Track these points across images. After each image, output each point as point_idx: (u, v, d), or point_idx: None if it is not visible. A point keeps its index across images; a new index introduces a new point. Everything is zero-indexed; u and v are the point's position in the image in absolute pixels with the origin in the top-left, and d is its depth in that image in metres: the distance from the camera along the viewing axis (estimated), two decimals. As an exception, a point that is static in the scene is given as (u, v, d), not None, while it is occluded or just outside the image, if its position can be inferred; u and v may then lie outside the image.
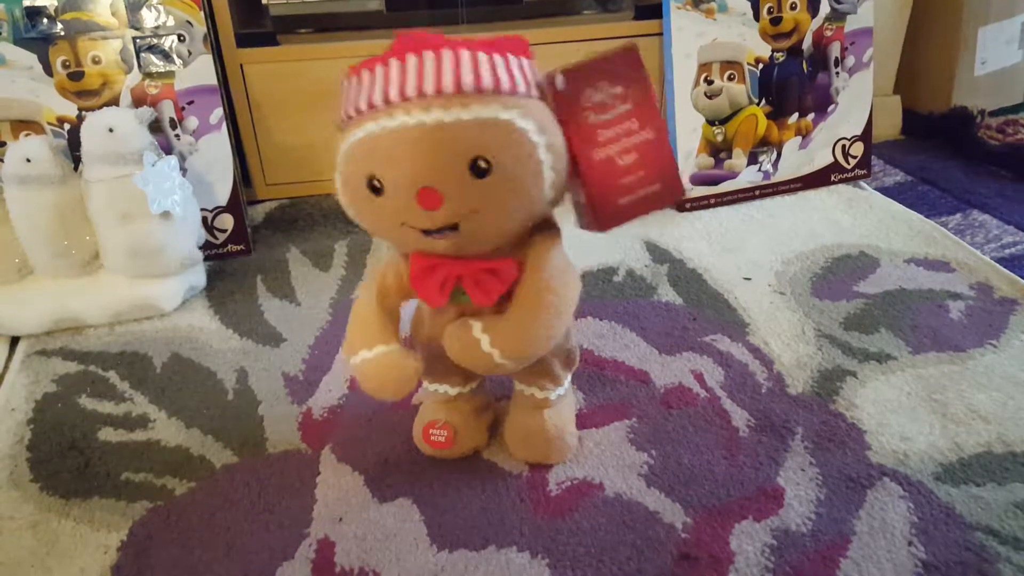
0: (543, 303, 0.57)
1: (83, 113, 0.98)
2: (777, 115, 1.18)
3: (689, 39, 1.12)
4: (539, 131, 0.52)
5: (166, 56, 1.00)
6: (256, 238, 1.10)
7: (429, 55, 0.51)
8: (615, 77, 0.56)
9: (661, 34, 1.14)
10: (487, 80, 0.51)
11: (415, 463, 0.70)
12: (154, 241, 0.90)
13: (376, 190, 0.52)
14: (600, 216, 0.58)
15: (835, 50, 1.19)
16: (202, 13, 1.00)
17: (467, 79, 0.51)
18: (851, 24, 1.18)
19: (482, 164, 0.51)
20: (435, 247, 0.55)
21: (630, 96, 0.57)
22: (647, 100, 0.57)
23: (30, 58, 0.95)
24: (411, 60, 0.52)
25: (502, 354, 0.57)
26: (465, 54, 0.52)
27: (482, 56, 0.52)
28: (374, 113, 0.52)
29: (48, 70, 0.96)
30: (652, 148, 0.58)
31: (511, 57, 0.54)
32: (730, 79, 1.15)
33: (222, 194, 1.04)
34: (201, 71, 1.01)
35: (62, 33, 0.96)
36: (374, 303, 0.61)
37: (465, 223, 0.53)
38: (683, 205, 1.15)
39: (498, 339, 0.57)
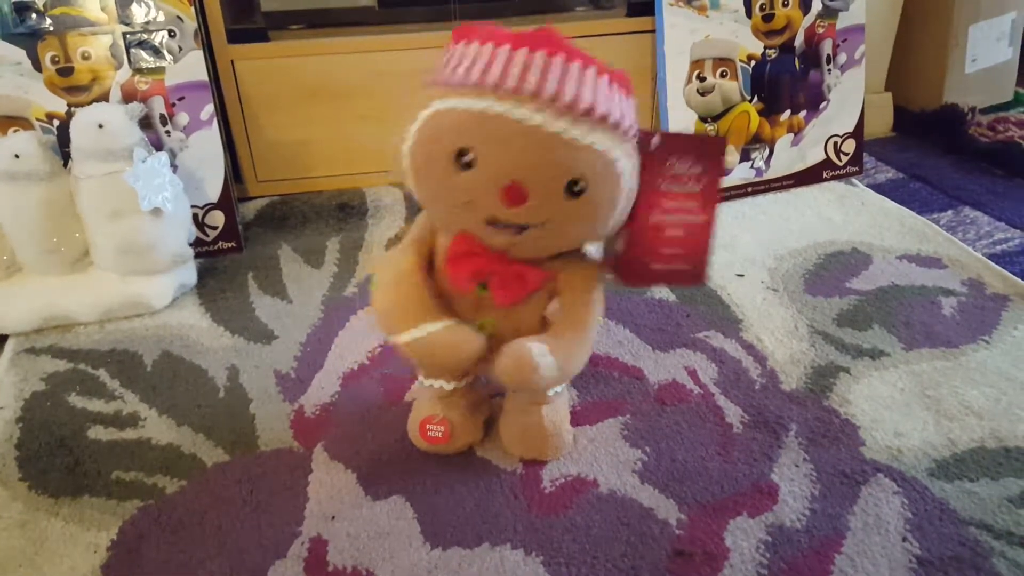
0: (591, 328, 0.61)
1: (72, 109, 0.97)
2: (769, 112, 1.18)
3: (682, 36, 1.12)
4: (630, 176, 0.55)
5: (156, 52, 0.99)
6: (247, 235, 1.09)
7: (559, 59, 0.51)
8: (699, 157, 0.58)
9: (653, 31, 1.14)
10: (601, 107, 0.52)
11: (408, 460, 0.69)
12: (144, 238, 0.89)
13: (464, 164, 0.52)
14: (630, 273, 0.61)
15: (827, 47, 1.19)
16: (193, 9, 0.99)
17: (584, 98, 0.51)
18: (843, 21, 1.19)
19: (578, 187, 0.52)
20: (491, 239, 0.55)
21: (703, 179, 0.59)
22: (715, 189, 0.59)
23: (18, 54, 0.94)
24: (540, 55, 0.51)
25: (563, 375, 0.60)
26: (591, 72, 0.52)
27: (604, 81, 0.52)
28: (483, 90, 0.51)
29: (37, 66, 0.95)
30: (698, 233, 0.60)
31: (624, 93, 0.54)
32: (722, 76, 1.15)
33: (213, 191, 1.04)
34: (192, 67, 1.00)
35: (51, 28, 0.95)
36: (418, 273, 0.60)
37: (533, 229, 0.54)
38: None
39: (559, 360, 0.58)
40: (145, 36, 0.98)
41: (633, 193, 0.56)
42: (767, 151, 1.19)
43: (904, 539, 0.61)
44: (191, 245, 0.97)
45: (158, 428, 0.74)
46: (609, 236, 0.60)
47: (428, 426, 0.68)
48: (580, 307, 0.60)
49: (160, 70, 0.99)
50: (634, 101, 0.56)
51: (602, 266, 0.63)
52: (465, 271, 0.58)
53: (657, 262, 0.61)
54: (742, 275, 0.97)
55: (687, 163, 0.58)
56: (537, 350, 0.58)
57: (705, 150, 0.58)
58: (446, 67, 0.54)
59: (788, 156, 1.20)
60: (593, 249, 0.63)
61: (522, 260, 0.58)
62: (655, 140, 0.57)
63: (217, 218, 1.04)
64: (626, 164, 0.54)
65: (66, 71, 0.96)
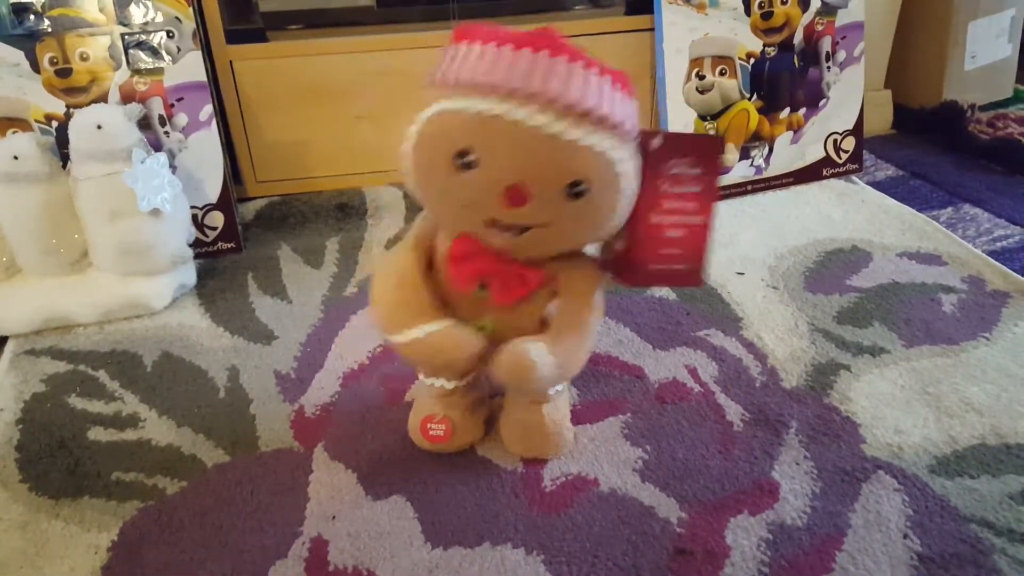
0: (590, 329, 0.61)
1: (71, 110, 0.97)
2: (769, 110, 1.18)
3: (680, 34, 1.12)
4: (631, 178, 0.54)
5: (155, 53, 0.99)
6: (247, 236, 1.09)
7: (562, 60, 0.51)
8: (699, 158, 0.58)
9: (652, 29, 1.14)
10: (603, 108, 0.51)
11: (408, 460, 0.69)
12: (143, 239, 0.89)
13: (465, 164, 0.52)
14: (630, 273, 0.61)
15: (826, 45, 1.19)
16: (191, 9, 0.99)
17: (586, 99, 0.51)
18: (842, 19, 1.18)
19: (580, 188, 0.52)
20: (492, 240, 0.55)
21: (702, 180, 0.59)
22: (714, 190, 0.59)
23: (17, 55, 0.94)
24: (543, 56, 0.51)
25: (561, 375, 0.60)
26: (594, 74, 0.52)
27: (604, 82, 0.52)
28: (485, 91, 0.51)
29: (35, 67, 0.95)
30: (697, 233, 0.60)
31: (626, 94, 0.54)
32: (721, 74, 1.14)
33: (212, 191, 1.03)
34: (190, 68, 1.00)
35: (49, 29, 0.95)
36: (418, 273, 0.60)
37: (534, 230, 0.54)
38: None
39: (558, 360, 0.59)
40: (143, 37, 0.98)
41: (634, 195, 0.56)
42: (767, 149, 1.19)
43: (905, 536, 0.61)
44: (190, 246, 0.97)
45: (158, 429, 0.74)
46: (609, 237, 0.60)
47: (429, 425, 0.68)
48: (579, 308, 0.60)
49: (159, 71, 0.99)
50: (635, 102, 0.56)
51: (602, 265, 0.63)
52: (467, 271, 0.58)
53: (656, 262, 0.61)
54: (742, 273, 0.97)
55: (687, 164, 0.58)
56: (535, 350, 0.58)
57: (705, 150, 0.58)
58: (448, 67, 0.54)
59: (788, 154, 1.20)
60: (591, 249, 0.63)
61: (523, 261, 0.58)
62: (656, 140, 0.57)
63: (216, 219, 1.04)
64: (628, 166, 0.54)
65: (65, 72, 0.96)
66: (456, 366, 0.61)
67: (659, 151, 0.57)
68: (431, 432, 0.68)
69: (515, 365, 0.58)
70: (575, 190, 0.52)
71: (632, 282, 0.63)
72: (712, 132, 0.61)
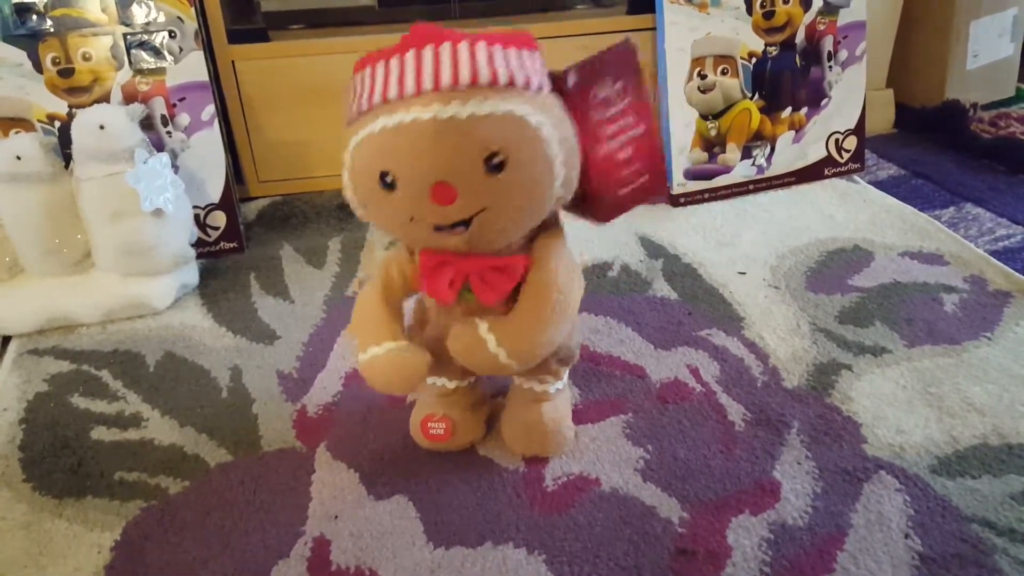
0: (549, 302, 0.58)
1: (73, 110, 0.97)
2: (770, 109, 1.17)
3: (682, 33, 1.12)
4: (553, 126, 0.53)
5: (157, 52, 0.99)
6: (249, 235, 1.09)
7: (446, 46, 0.51)
8: (616, 73, 0.57)
9: (654, 29, 1.14)
10: (502, 74, 0.51)
11: (410, 460, 0.69)
12: (146, 239, 0.90)
13: (388, 185, 0.52)
14: (602, 209, 0.60)
15: (828, 44, 1.18)
16: (193, 9, 0.99)
17: (483, 72, 0.51)
18: (844, 18, 1.18)
19: (496, 160, 0.51)
20: (446, 243, 0.55)
21: (628, 91, 0.58)
22: (641, 94, 0.58)
23: (19, 55, 0.95)
24: (427, 51, 0.51)
25: (508, 354, 0.57)
26: (481, 46, 0.51)
27: (497, 49, 0.52)
28: (388, 106, 0.51)
29: (38, 67, 0.95)
30: (644, 141, 0.59)
31: (524, 51, 0.53)
32: (723, 73, 1.14)
33: (214, 191, 1.04)
34: (192, 68, 1.00)
35: (52, 30, 0.95)
36: (379, 299, 0.61)
37: (477, 219, 0.53)
38: (677, 200, 1.15)
39: (505, 339, 0.57)
40: (146, 37, 0.98)
41: (576, 149, 0.55)
42: (768, 148, 1.19)
43: (906, 536, 0.61)
44: (193, 246, 0.97)
45: (161, 429, 0.75)
46: (572, 188, 0.57)
47: (429, 424, 0.68)
48: (537, 280, 0.58)
49: (161, 71, 0.99)
50: (536, 55, 0.54)
51: (575, 214, 0.62)
52: (440, 282, 0.57)
53: (619, 187, 0.59)
54: (744, 273, 0.97)
55: (607, 84, 0.57)
56: (483, 327, 0.58)
57: (619, 62, 0.57)
58: (353, 101, 0.54)
59: (789, 153, 1.20)
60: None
61: (494, 253, 0.57)
62: (571, 78, 0.56)
63: (219, 218, 1.04)
64: (541, 117, 0.52)
65: (67, 72, 0.97)
66: (402, 386, 0.60)
67: (578, 86, 0.56)
68: (431, 431, 0.68)
69: (465, 344, 0.58)
70: (494, 163, 0.51)
71: (606, 217, 0.61)
72: (626, 44, 0.59)
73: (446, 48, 0.51)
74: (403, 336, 0.60)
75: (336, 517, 0.64)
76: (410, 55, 0.51)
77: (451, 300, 0.58)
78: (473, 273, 0.57)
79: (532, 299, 0.58)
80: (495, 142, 0.50)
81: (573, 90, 0.56)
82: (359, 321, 0.61)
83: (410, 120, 0.50)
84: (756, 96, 1.17)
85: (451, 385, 0.69)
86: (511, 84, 0.51)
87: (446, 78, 0.50)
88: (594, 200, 0.59)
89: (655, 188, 0.61)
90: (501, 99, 0.51)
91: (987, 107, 1.44)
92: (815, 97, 1.20)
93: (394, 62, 0.52)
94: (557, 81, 0.56)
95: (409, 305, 0.65)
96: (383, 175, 0.52)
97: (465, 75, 0.50)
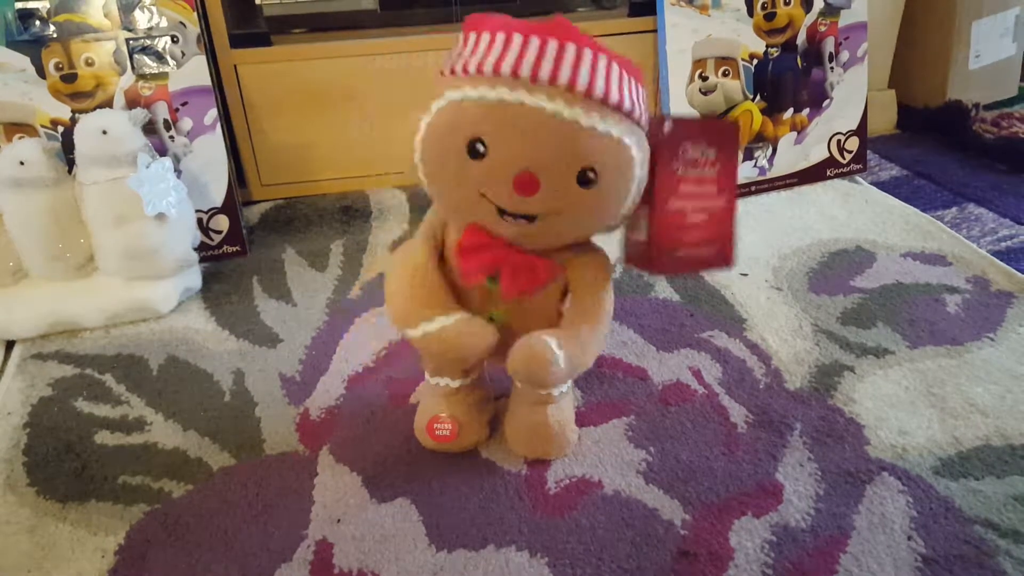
0: (603, 321, 0.61)
1: (76, 115, 0.97)
2: (772, 111, 1.17)
3: (683, 35, 1.12)
4: (642, 163, 0.54)
5: (159, 57, 0.99)
6: (252, 239, 1.10)
7: (571, 47, 0.51)
8: (713, 141, 0.58)
9: (655, 31, 1.14)
10: (615, 94, 0.52)
11: (413, 463, 0.70)
12: (149, 243, 0.90)
13: (476, 153, 0.52)
14: (656, 261, 0.61)
15: (829, 45, 1.18)
16: (195, 14, 0.99)
17: (599, 86, 0.51)
18: (845, 19, 1.18)
19: (590, 175, 0.52)
20: (502, 229, 0.55)
21: (720, 162, 0.59)
22: (732, 172, 0.59)
23: (23, 60, 0.95)
24: (552, 43, 0.51)
25: (574, 369, 0.60)
26: (603, 59, 0.52)
27: (615, 67, 0.52)
28: (491, 80, 0.51)
29: (41, 72, 0.96)
30: (721, 215, 0.60)
31: (634, 80, 0.54)
32: (725, 75, 1.15)
33: (217, 195, 1.04)
34: (195, 72, 1.01)
35: (55, 35, 0.96)
36: (433, 264, 0.60)
37: (544, 219, 0.53)
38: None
39: (574, 354, 0.59)
40: (148, 42, 0.99)
41: (643, 183, 0.56)
42: (770, 150, 1.19)
43: (909, 538, 0.61)
44: (196, 249, 0.97)
45: (164, 432, 0.75)
46: (627, 225, 0.60)
47: (435, 425, 0.68)
48: (592, 300, 0.60)
49: (163, 75, 1.00)
50: (644, 90, 0.56)
51: (627, 258, 0.63)
52: (476, 263, 0.57)
53: (682, 248, 0.61)
54: (746, 274, 0.97)
55: (700, 147, 0.58)
56: (553, 343, 0.58)
57: (717, 134, 0.58)
58: (458, 57, 0.54)
59: (791, 155, 1.20)
60: (601, 241, 0.63)
61: (534, 252, 0.58)
62: (667, 125, 0.56)
63: (221, 222, 1.04)
64: (638, 153, 0.54)
65: (70, 77, 0.97)
66: (470, 358, 0.61)
67: (671, 135, 0.57)
68: (437, 432, 0.69)
69: (532, 358, 0.58)
70: (586, 177, 0.52)
71: (660, 270, 0.63)
72: (733, 123, 0.61)
73: (571, 48, 0.51)
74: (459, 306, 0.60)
75: (339, 520, 0.64)
76: (535, 40, 0.51)
77: (478, 282, 0.58)
78: (507, 264, 0.57)
79: (591, 321, 0.60)
80: (595, 159, 0.51)
81: (666, 137, 0.57)
82: (412, 287, 0.59)
83: (516, 100, 0.50)
84: (758, 98, 1.17)
85: (455, 384, 0.69)
86: (620, 107, 0.52)
87: (564, 77, 0.50)
88: (653, 248, 0.60)
89: (717, 262, 0.63)
90: (613, 119, 0.52)
91: (989, 107, 1.43)
92: (817, 98, 1.20)
93: (516, 39, 0.51)
94: (652, 123, 0.57)
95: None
96: (475, 141, 0.51)
97: (583, 82, 0.50)
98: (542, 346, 0.58)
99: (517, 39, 0.51)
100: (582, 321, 0.60)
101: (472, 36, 0.54)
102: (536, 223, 0.54)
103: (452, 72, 0.54)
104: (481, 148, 0.51)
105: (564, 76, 0.50)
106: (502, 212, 0.54)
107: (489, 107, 0.51)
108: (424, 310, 0.59)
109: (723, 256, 0.62)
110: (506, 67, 0.51)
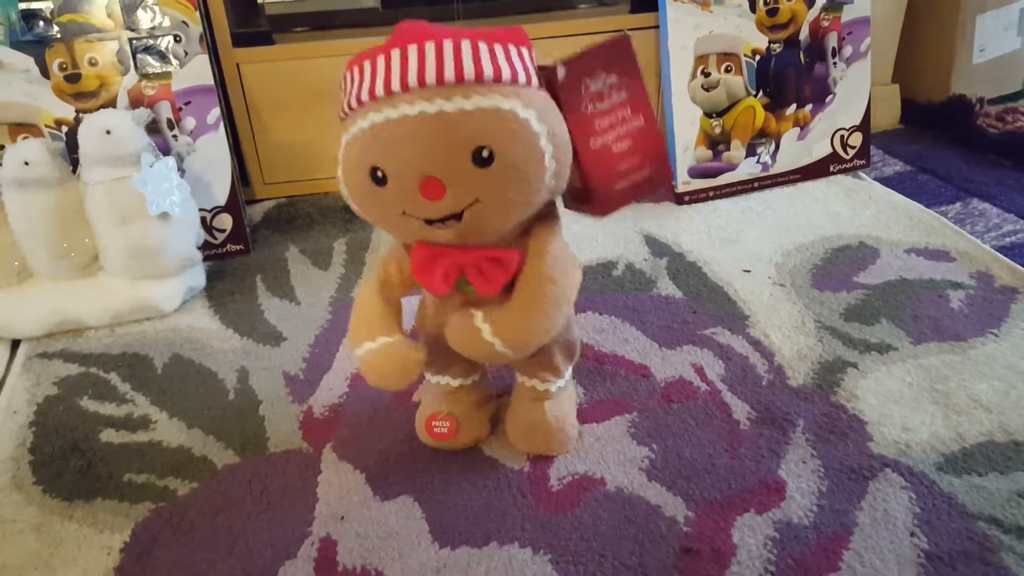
0: (544, 292, 0.58)
1: (80, 115, 0.98)
2: (775, 106, 1.17)
3: (685, 31, 1.12)
4: (540, 120, 0.53)
5: (162, 57, 1.00)
6: (255, 237, 1.10)
7: (430, 44, 0.51)
8: (610, 66, 0.57)
9: (657, 27, 1.14)
10: (488, 70, 0.52)
11: (416, 460, 0.70)
12: (153, 242, 0.90)
13: (379, 180, 0.53)
14: (599, 203, 0.59)
15: (832, 40, 1.18)
16: (198, 13, 1.00)
17: (468, 68, 0.51)
18: (848, 14, 1.18)
19: (484, 154, 0.51)
20: (438, 237, 0.55)
21: (624, 84, 0.58)
22: (639, 87, 0.58)
23: (26, 61, 0.95)
24: (412, 49, 0.52)
25: (503, 344, 0.58)
26: (466, 44, 0.52)
27: (483, 46, 0.52)
28: (376, 103, 0.52)
29: (45, 72, 0.96)
30: (643, 134, 0.59)
31: (511, 47, 0.54)
32: (727, 71, 1.14)
33: (220, 194, 1.04)
34: (198, 71, 1.01)
35: (58, 35, 0.96)
36: (376, 295, 0.61)
37: (468, 212, 0.53)
38: (682, 198, 1.15)
39: (499, 329, 0.58)
40: (151, 41, 0.99)
41: (566, 141, 0.55)
42: (773, 146, 1.18)
43: (912, 534, 0.61)
44: (199, 248, 0.98)
45: (169, 430, 0.75)
46: (564, 180, 0.58)
47: (434, 422, 0.69)
48: (531, 275, 0.58)
49: (166, 75, 1.00)
50: (524, 49, 0.54)
51: (572, 208, 0.62)
52: (434, 274, 0.57)
53: (618, 181, 0.59)
54: (749, 271, 0.97)
55: (600, 78, 0.57)
56: (479, 316, 0.58)
57: (611, 57, 0.57)
58: (344, 99, 0.55)
59: (794, 150, 1.20)
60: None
61: (489, 244, 0.57)
62: (560, 70, 0.56)
63: (225, 221, 1.05)
64: (528, 112, 0.52)
65: (74, 77, 0.97)
66: (399, 381, 0.61)
67: (568, 78, 0.56)
68: (435, 429, 0.69)
69: (461, 333, 0.59)
70: (482, 156, 0.51)
71: (605, 211, 0.61)
72: (622, 38, 0.59)
73: (431, 46, 0.51)
74: (398, 331, 0.60)
75: (342, 518, 0.65)
76: (396, 53, 0.52)
77: (444, 291, 0.58)
78: (468, 265, 0.57)
79: (526, 289, 0.58)
80: (482, 136, 0.51)
81: (563, 83, 0.56)
82: (355, 319, 0.62)
83: (397, 116, 0.51)
84: (760, 93, 1.16)
85: (455, 383, 0.69)
86: (497, 80, 0.52)
87: (431, 75, 0.51)
88: (591, 193, 0.59)
89: (657, 181, 0.61)
90: (487, 94, 0.51)
91: (994, 101, 1.42)
92: (820, 94, 1.20)
93: (380, 60, 0.53)
94: (547, 75, 0.56)
95: (410, 312, 0.65)
96: (374, 170, 0.53)
97: (450, 72, 0.51)
98: (467, 321, 0.58)
99: (380, 60, 0.52)
100: (520, 293, 0.58)
101: (347, 75, 0.55)
102: (464, 219, 0.54)
103: (346, 113, 0.56)
104: (380, 175, 0.52)
105: (431, 74, 0.51)
106: (429, 221, 0.54)
107: (378, 131, 0.52)
108: (360, 336, 0.60)
109: (660, 173, 0.60)
110: (380, 89, 0.52)
